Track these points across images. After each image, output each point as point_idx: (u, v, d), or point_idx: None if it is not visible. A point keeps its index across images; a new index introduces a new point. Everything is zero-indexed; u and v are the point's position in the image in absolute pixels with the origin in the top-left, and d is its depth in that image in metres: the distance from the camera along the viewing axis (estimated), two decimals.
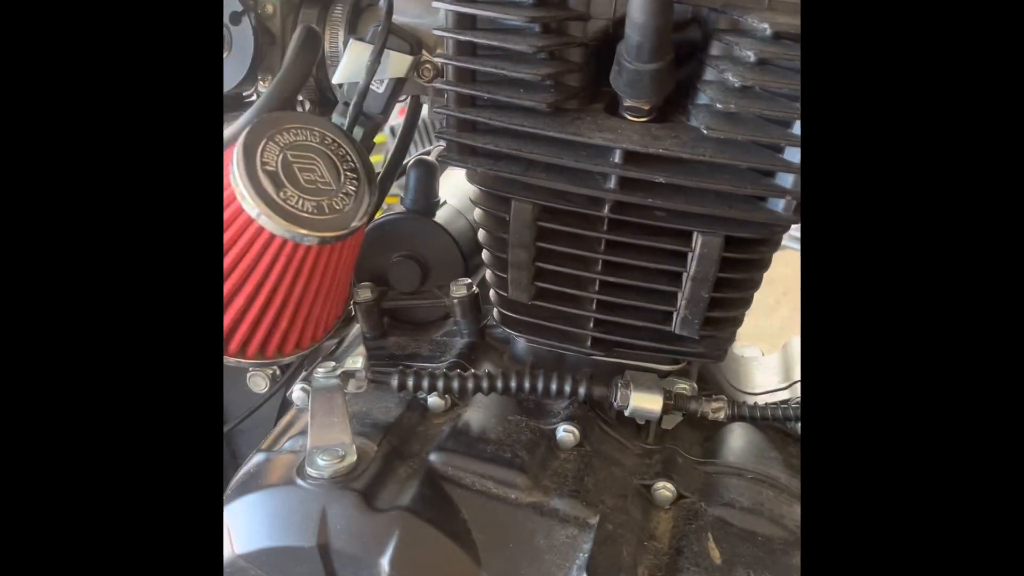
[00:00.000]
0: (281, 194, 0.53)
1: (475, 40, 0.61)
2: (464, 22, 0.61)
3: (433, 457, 0.65)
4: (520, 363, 0.78)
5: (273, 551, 0.60)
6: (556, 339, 0.72)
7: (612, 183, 0.62)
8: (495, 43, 0.60)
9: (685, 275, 0.65)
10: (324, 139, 0.56)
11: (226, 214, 0.54)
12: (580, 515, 0.62)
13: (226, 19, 0.68)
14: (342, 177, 0.56)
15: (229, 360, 0.62)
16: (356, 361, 0.68)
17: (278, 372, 0.85)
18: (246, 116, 0.58)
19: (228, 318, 0.59)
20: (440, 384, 0.68)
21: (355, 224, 0.55)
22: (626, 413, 0.69)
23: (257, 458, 0.68)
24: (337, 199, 0.55)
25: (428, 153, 0.87)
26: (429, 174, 0.81)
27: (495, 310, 0.74)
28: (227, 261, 0.55)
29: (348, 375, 0.67)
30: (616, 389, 0.69)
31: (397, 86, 0.67)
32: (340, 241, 0.56)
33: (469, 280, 0.79)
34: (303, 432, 0.68)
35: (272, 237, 0.53)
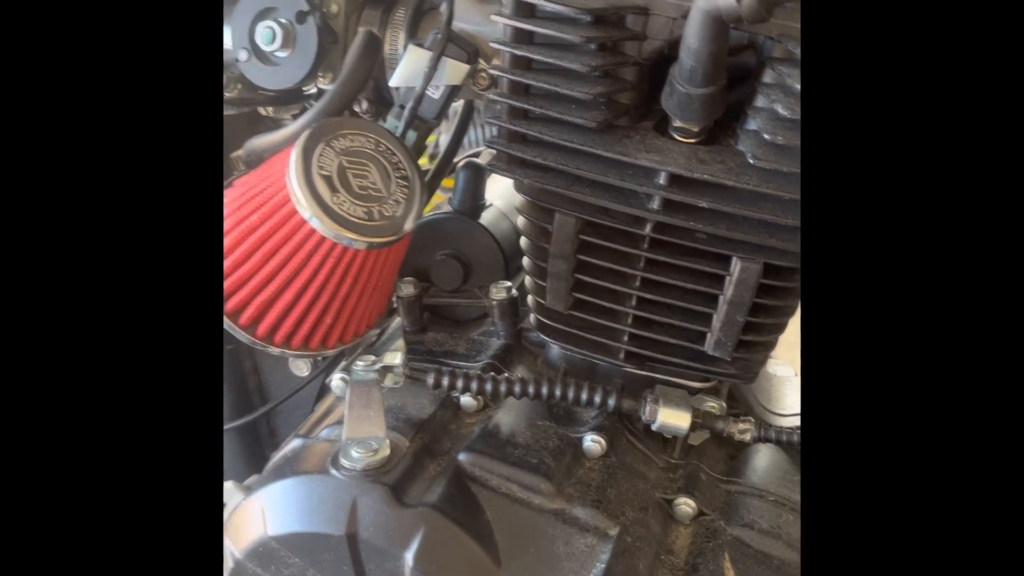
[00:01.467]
0: (334, 199, 0.55)
1: (531, 55, 0.62)
2: (522, 37, 0.63)
3: (462, 457, 0.67)
4: (553, 368, 0.80)
5: (304, 536, 0.62)
6: (590, 349, 0.74)
7: (656, 204, 0.63)
8: (551, 60, 0.61)
9: (721, 298, 0.66)
10: (378, 146, 0.58)
11: (280, 214, 0.56)
12: (600, 525, 0.64)
13: (292, 17, 0.70)
14: (393, 184, 0.57)
15: (273, 349, 0.64)
16: (395, 356, 0.70)
17: (320, 357, 0.87)
18: (305, 119, 0.60)
19: (275, 311, 0.61)
20: (474, 385, 0.70)
21: (403, 231, 0.57)
22: (653, 427, 0.70)
23: (294, 443, 0.71)
24: (387, 206, 0.57)
25: (477, 155, 0.88)
26: (478, 176, 0.82)
27: (532, 315, 0.76)
28: (278, 258, 0.58)
29: (386, 370, 0.69)
30: (645, 403, 0.70)
31: (452, 93, 0.68)
32: (387, 247, 0.58)
33: (509, 283, 0.81)
34: (339, 422, 0.71)
35: (322, 239, 0.55)
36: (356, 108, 0.76)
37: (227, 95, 0.78)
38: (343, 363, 0.83)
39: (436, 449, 0.68)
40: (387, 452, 0.64)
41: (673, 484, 0.72)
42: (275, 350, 0.64)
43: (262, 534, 0.64)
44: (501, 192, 0.89)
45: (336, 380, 0.76)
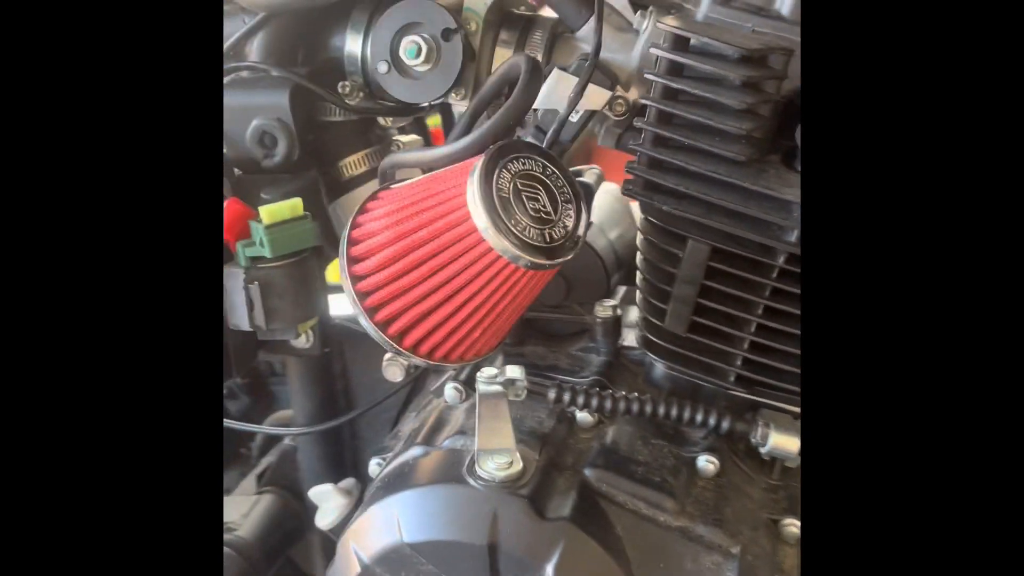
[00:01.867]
0: (511, 219, 0.56)
1: (685, 88, 0.64)
2: (675, 70, 0.65)
3: (587, 472, 0.69)
4: (656, 388, 0.82)
5: (443, 544, 0.64)
6: (700, 371, 0.76)
7: (793, 237, 0.66)
8: (706, 94, 0.63)
9: None
10: (546, 170, 0.59)
11: (456, 231, 0.57)
12: (723, 544, 0.66)
13: (438, 33, 0.71)
14: (560, 208, 0.59)
15: (416, 360, 0.65)
16: (516, 370, 0.71)
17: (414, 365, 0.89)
18: (468, 139, 0.61)
19: (428, 323, 0.63)
20: (594, 402, 0.72)
21: (568, 256, 0.59)
22: (763, 451, 0.73)
23: (414, 451, 0.72)
24: (556, 229, 0.58)
25: (581, 174, 0.90)
26: (588, 197, 0.84)
27: (639, 334, 0.78)
28: (445, 273, 0.59)
29: (510, 383, 0.71)
30: (757, 427, 0.72)
31: (589, 117, 0.70)
32: (549, 269, 0.59)
33: (615, 302, 0.83)
34: (460, 432, 0.72)
35: (497, 258, 0.57)
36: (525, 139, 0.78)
37: (349, 102, 0.79)
38: (448, 374, 0.84)
39: (560, 463, 0.70)
40: (521, 465, 0.66)
41: (777, 505, 0.74)
42: (419, 360, 0.65)
43: (396, 540, 0.65)
44: (595, 209, 0.91)
45: (450, 390, 0.77)
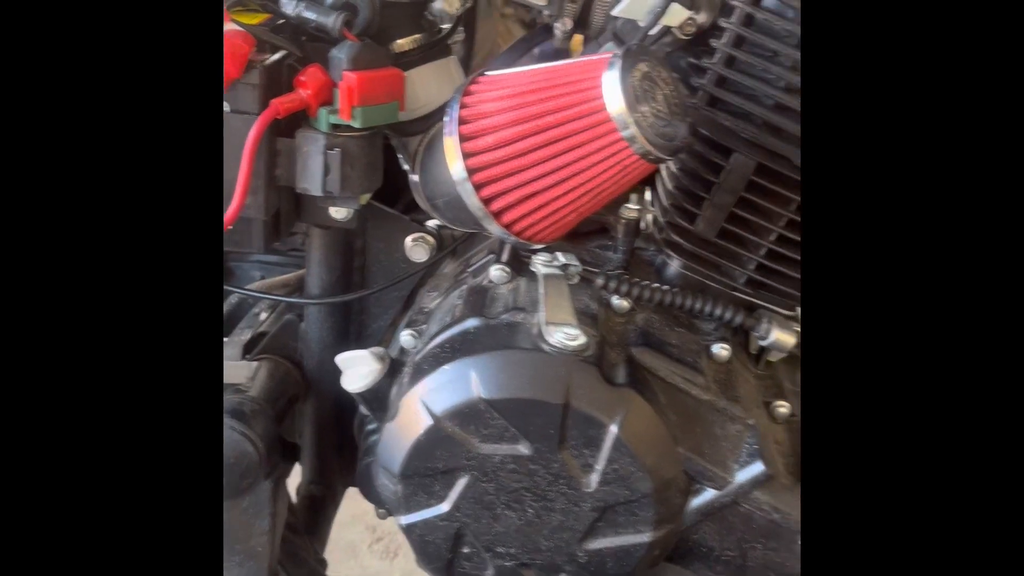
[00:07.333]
0: (639, 111, 0.63)
1: (764, 17, 0.72)
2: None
3: (632, 349, 0.78)
4: (669, 285, 0.91)
5: (519, 401, 0.71)
6: (713, 271, 0.86)
7: None
8: (783, 26, 0.72)
9: None
10: (661, 74, 0.66)
11: (591, 118, 0.63)
12: (742, 416, 0.78)
13: None
14: (672, 112, 0.66)
15: (509, 237, 0.71)
16: (571, 257, 0.79)
17: (435, 246, 0.93)
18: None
19: (533, 202, 0.68)
20: (635, 291, 0.80)
21: (669, 159, 0.66)
22: (763, 343, 0.84)
23: (472, 322, 0.78)
24: (669, 130, 0.65)
25: None
26: None
27: (661, 235, 0.87)
28: (566, 157, 0.65)
29: (565, 267, 0.78)
30: (762, 322, 0.84)
31: (665, 33, 0.77)
32: (648, 163, 0.66)
33: (639, 206, 0.91)
34: (517, 308, 0.79)
35: (623, 147, 0.63)
36: (559, 27, 0.82)
37: None
38: (485, 255, 0.90)
39: (608, 340, 0.78)
40: (584, 339, 0.73)
41: (768, 390, 0.87)
42: (511, 238, 0.71)
43: (471, 396, 0.71)
44: None
45: (496, 270, 0.83)
